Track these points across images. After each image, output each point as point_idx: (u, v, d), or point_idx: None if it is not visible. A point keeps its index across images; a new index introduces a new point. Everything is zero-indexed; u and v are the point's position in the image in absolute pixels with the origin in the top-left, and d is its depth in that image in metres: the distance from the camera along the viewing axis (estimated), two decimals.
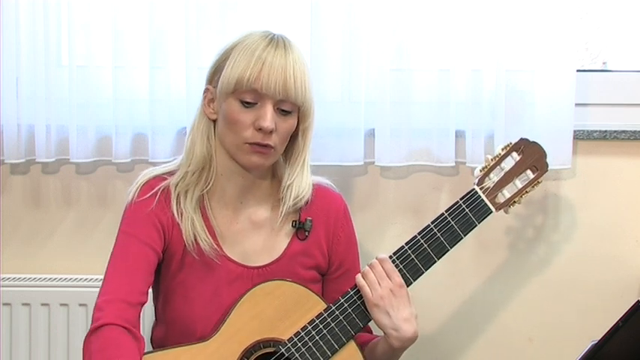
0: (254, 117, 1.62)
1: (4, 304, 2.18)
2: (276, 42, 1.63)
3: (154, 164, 2.11)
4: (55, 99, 2.18)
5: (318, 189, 1.77)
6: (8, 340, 2.19)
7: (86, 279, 2.20)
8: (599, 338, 1.48)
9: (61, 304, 2.17)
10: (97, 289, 2.14)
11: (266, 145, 1.63)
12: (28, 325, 2.18)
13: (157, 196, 1.67)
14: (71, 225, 2.28)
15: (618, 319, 1.48)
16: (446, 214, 1.72)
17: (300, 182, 1.71)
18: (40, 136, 2.17)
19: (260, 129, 1.62)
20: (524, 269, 2.23)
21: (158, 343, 1.73)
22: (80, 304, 2.17)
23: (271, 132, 1.62)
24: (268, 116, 1.61)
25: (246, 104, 1.62)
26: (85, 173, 2.26)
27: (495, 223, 2.17)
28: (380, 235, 2.23)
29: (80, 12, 2.17)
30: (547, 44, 2.11)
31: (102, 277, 2.19)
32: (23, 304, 2.18)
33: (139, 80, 2.18)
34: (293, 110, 1.66)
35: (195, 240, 1.66)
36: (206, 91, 1.70)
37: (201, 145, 1.69)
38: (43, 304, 2.18)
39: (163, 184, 1.69)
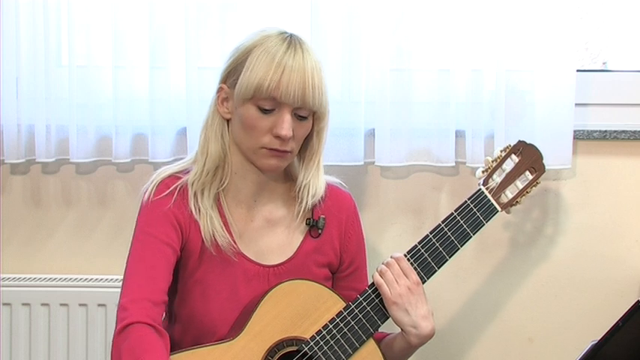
0: (272, 123, 1.62)
1: (4, 304, 2.18)
2: (294, 45, 1.63)
3: (154, 164, 2.12)
4: (55, 99, 2.18)
5: (329, 188, 1.77)
6: (8, 340, 2.19)
7: (86, 279, 2.20)
8: (599, 338, 1.49)
9: (61, 304, 2.17)
10: (98, 289, 2.17)
11: (284, 151, 1.64)
12: (28, 325, 2.18)
13: (175, 195, 1.67)
14: (71, 225, 2.28)
15: (618, 319, 1.48)
16: (455, 214, 1.74)
17: (317, 182, 1.72)
18: (40, 136, 2.17)
19: (278, 136, 1.62)
20: (524, 269, 2.23)
21: (172, 342, 1.72)
22: (80, 304, 2.17)
23: (289, 139, 1.63)
24: (286, 125, 1.61)
25: (264, 111, 1.62)
26: (85, 173, 2.26)
27: (496, 223, 2.17)
28: (380, 235, 2.23)
29: (80, 12, 2.17)
30: (547, 44, 2.11)
31: (102, 276, 2.21)
32: (23, 304, 2.18)
33: (139, 80, 2.18)
34: (309, 115, 1.66)
35: (214, 236, 1.66)
36: (220, 90, 1.69)
37: (215, 144, 1.69)
38: (43, 304, 2.18)
39: (180, 182, 1.69)
